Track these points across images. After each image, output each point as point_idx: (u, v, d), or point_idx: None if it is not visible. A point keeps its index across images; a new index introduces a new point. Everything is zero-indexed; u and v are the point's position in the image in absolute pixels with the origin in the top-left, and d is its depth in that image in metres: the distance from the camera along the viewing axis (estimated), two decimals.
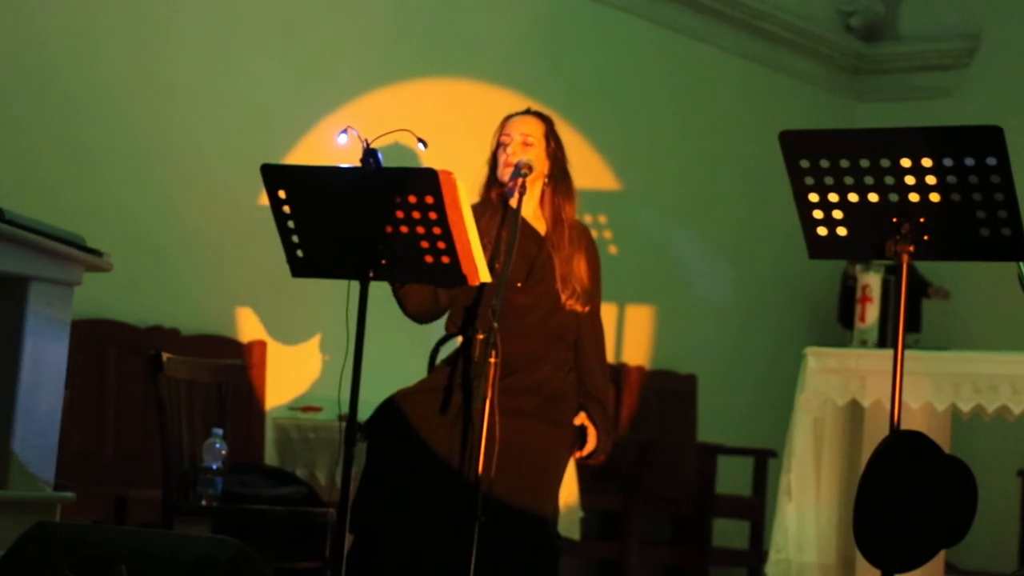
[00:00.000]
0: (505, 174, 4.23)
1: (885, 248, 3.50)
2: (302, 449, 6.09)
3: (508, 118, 4.30)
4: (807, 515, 5.30)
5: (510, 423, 3.94)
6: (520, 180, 4.12)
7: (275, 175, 3.96)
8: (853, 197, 3.49)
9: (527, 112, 4.31)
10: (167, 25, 6.06)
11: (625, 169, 7.85)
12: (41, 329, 4.16)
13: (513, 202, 4.10)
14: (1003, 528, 7.49)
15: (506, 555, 4.01)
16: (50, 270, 4.18)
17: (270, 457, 6.12)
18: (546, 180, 4.23)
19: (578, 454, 4.23)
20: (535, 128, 4.24)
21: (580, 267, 4.22)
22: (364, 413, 3.98)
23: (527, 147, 4.21)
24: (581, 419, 4.21)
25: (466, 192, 3.91)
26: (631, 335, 7.81)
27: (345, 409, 3.91)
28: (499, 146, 4.26)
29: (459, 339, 4.22)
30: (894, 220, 3.47)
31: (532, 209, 4.26)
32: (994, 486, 5.81)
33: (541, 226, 4.25)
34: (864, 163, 3.45)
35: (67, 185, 5.73)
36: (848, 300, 7.58)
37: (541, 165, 4.23)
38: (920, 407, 5.08)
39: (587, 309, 4.23)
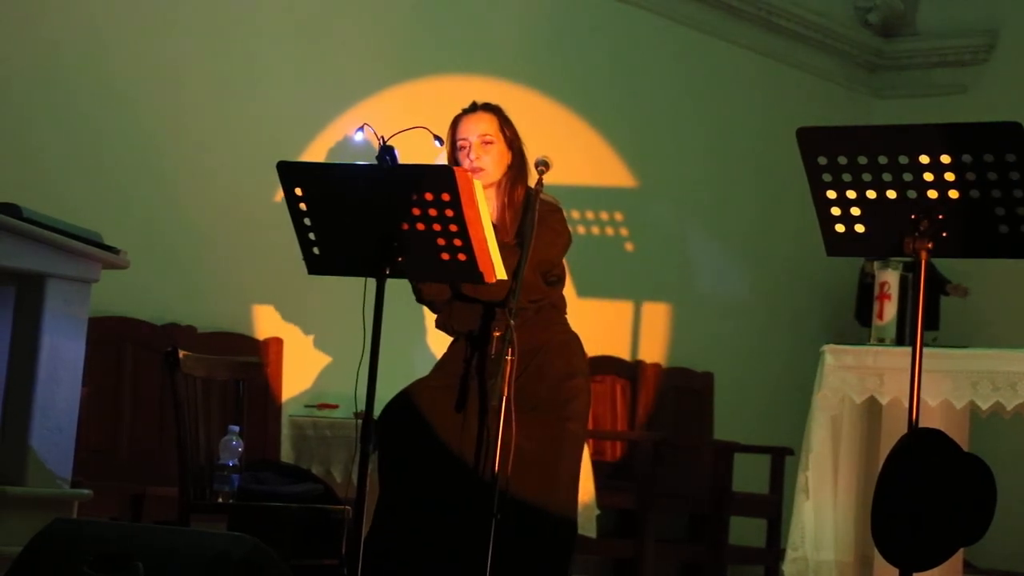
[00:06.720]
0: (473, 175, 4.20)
1: (903, 245, 3.49)
2: (318, 446, 6.09)
3: (458, 119, 4.26)
4: (824, 513, 5.28)
5: (520, 418, 3.93)
6: (539, 177, 4.12)
7: (291, 172, 3.96)
8: (871, 194, 3.48)
9: (475, 108, 4.27)
10: (181, 23, 6.06)
11: (640, 166, 7.83)
12: (58, 326, 4.17)
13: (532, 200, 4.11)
14: (1022, 526, 7.45)
15: (516, 547, 4.00)
16: (67, 268, 4.19)
17: (286, 454, 6.12)
18: (507, 170, 4.21)
19: None
20: (489, 124, 4.23)
21: (544, 247, 4.14)
22: (381, 411, 3.98)
23: (487, 145, 4.20)
24: None
25: (482, 189, 3.90)
26: (647, 332, 7.79)
27: (361, 406, 3.90)
28: (458, 149, 4.23)
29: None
30: (912, 217, 3.45)
31: (498, 206, 4.21)
32: (1013, 484, 5.77)
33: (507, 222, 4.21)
34: (882, 160, 3.44)
35: (83, 184, 5.74)
36: (866, 297, 7.55)
37: (503, 157, 4.20)
38: (938, 405, 5.06)
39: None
